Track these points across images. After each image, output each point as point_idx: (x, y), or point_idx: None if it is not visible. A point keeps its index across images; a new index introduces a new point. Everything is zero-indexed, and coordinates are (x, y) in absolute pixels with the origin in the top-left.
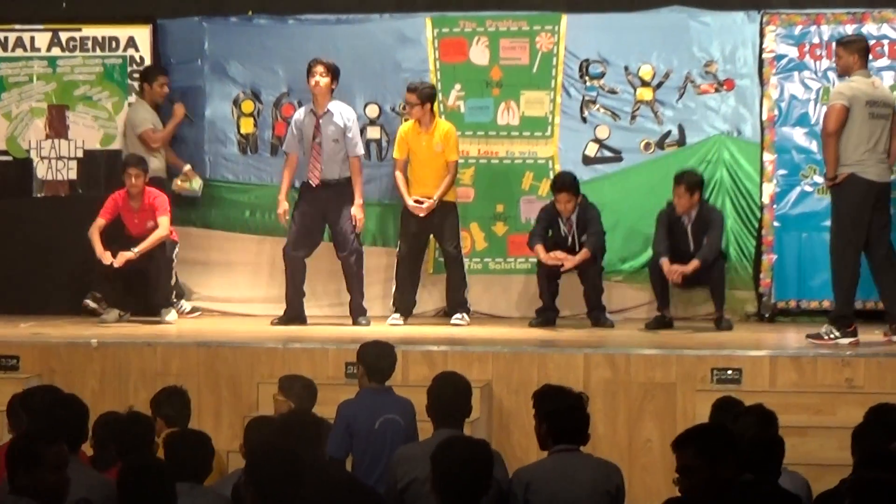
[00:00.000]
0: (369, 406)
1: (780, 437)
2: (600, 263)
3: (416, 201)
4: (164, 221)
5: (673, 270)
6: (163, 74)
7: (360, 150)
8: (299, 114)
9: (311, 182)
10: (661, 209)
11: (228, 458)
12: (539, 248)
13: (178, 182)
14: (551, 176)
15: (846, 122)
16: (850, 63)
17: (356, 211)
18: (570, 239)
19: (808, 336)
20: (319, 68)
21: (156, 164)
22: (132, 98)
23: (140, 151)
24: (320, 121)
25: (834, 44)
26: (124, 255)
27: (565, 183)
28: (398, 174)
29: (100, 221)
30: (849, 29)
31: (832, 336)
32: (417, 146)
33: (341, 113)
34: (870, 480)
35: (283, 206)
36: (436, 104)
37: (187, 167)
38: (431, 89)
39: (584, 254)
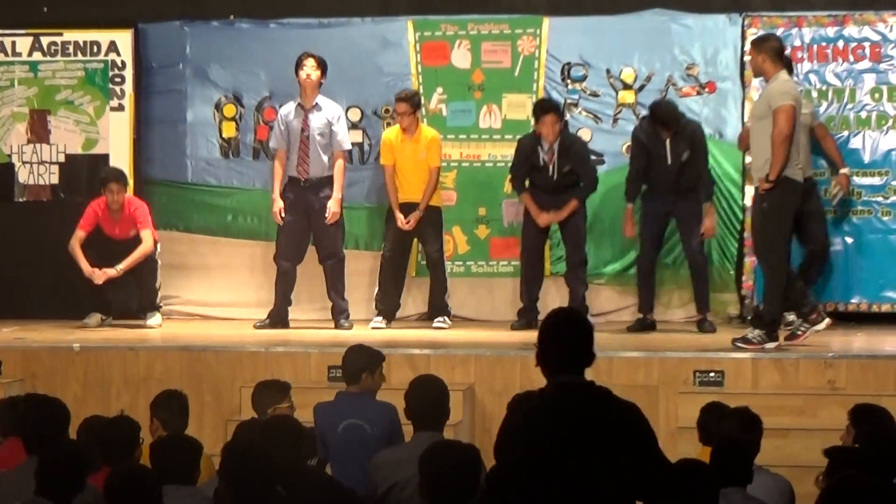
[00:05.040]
0: (337, 410)
1: (752, 440)
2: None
3: (402, 210)
4: (146, 235)
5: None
6: None
7: (347, 146)
8: (286, 108)
9: (298, 177)
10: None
11: (213, 463)
12: (526, 198)
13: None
14: None
15: None
16: None
17: (332, 204)
18: (550, 169)
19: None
20: (311, 61)
21: None
22: (113, 102)
23: None
24: (309, 114)
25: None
26: (107, 273)
27: (551, 105)
28: (389, 182)
29: (80, 234)
30: (830, 31)
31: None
32: (402, 153)
33: (329, 107)
34: (846, 478)
35: (279, 203)
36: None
37: (845, 170)
38: (419, 96)
39: (572, 206)
